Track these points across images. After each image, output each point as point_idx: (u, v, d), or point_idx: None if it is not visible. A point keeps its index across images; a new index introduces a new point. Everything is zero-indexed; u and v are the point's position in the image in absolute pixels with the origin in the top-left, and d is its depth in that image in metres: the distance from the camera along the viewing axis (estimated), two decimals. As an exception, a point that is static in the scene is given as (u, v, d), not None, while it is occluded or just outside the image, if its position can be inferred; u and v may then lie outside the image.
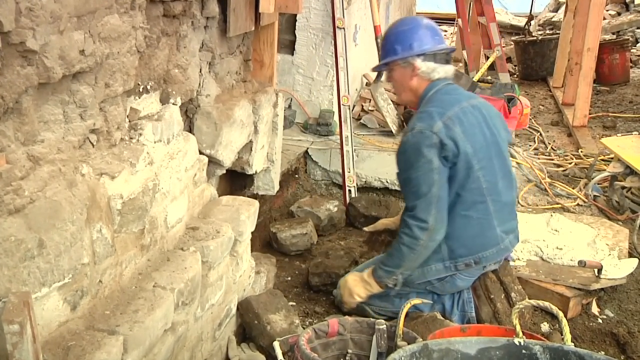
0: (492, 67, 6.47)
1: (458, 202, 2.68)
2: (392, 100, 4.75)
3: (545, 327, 2.93)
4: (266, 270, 3.06)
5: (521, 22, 10.74)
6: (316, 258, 3.44)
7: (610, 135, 5.26)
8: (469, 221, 2.69)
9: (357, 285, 2.82)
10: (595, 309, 3.07)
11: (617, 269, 3.16)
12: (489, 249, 2.72)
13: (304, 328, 2.65)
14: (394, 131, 4.73)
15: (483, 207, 2.70)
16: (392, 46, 2.79)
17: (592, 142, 5.57)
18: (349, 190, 4.21)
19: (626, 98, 7.36)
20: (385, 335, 2.27)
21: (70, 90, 1.63)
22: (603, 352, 2.75)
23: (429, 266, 2.75)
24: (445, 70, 2.79)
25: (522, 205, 4.23)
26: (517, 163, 4.39)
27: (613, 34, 10.06)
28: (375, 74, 4.83)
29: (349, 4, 4.58)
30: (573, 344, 1.93)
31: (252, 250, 2.79)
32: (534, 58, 8.44)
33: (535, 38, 8.64)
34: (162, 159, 2.09)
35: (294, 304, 3.04)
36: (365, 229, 3.27)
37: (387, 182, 4.34)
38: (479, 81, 5.76)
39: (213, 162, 2.60)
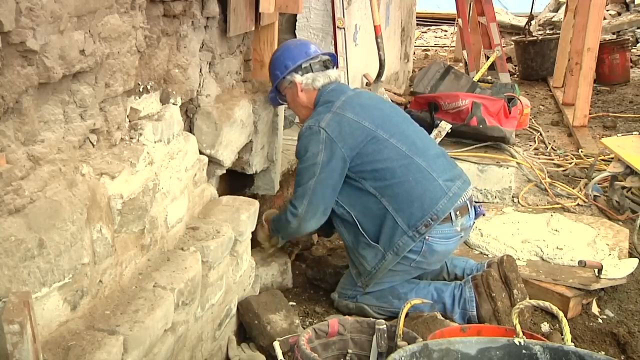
0: (492, 67, 6.48)
1: (389, 175, 2.77)
2: (391, 100, 4.75)
3: (545, 327, 2.93)
4: (266, 270, 3.06)
5: (521, 22, 10.75)
6: (320, 253, 3.49)
7: (610, 135, 5.26)
8: (408, 185, 2.76)
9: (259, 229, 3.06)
10: (595, 309, 3.07)
11: (617, 269, 3.16)
12: (439, 202, 2.75)
13: (304, 328, 2.65)
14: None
15: (414, 167, 2.79)
16: (273, 74, 3.00)
17: (592, 142, 5.57)
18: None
19: (626, 98, 7.36)
20: (385, 335, 2.27)
21: (70, 90, 1.63)
22: (603, 352, 2.75)
23: (396, 243, 2.76)
24: (327, 75, 2.98)
25: (522, 205, 4.23)
26: (518, 163, 4.39)
27: (613, 34, 10.07)
28: (376, 73, 4.85)
29: (349, 4, 4.58)
30: (573, 344, 1.94)
31: (252, 250, 2.79)
32: (534, 58, 8.44)
33: (535, 38, 8.65)
34: (162, 159, 2.09)
35: (294, 304, 3.04)
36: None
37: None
38: (479, 81, 5.77)
39: (213, 162, 2.60)
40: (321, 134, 2.76)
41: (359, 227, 2.81)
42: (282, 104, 3.11)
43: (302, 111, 3.03)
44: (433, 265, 2.93)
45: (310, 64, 2.94)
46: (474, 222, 2.99)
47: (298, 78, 2.93)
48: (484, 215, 3.03)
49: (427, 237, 2.75)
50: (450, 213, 2.77)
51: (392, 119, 2.90)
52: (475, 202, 3.00)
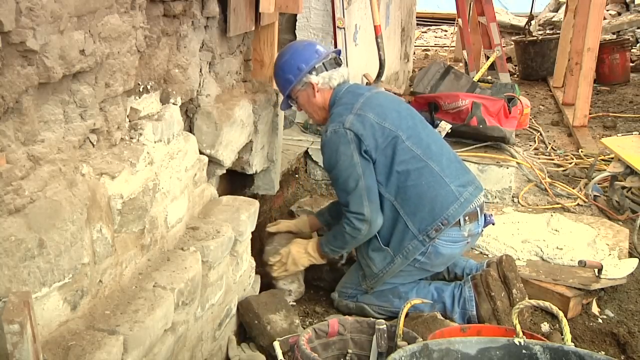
0: (492, 67, 6.48)
1: (402, 177, 2.76)
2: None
3: (545, 327, 2.93)
4: (266, 270, 3.06)
5: (521, 22, 10.75)
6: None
7: (610, 135, 5.26)
8: (420, 189, 2.76)
9: (301, 257, 2.98)
10: (595, 309, 3.07)
11: (617, 269, 3.16)
12: (450, 207, 2.75)
13: (304, 328, 2.65)
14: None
15: (427, 171, 2.78)
16: (285, 78, 2.92)
17: (592, 142, 5.57)
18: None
19: (626, 98, 7.36)
20: (385, 335, 2.27)
21: (70, 90, 1.63)
22: (603, 352, 2.75)
23: (406, 248, 2.77)
24: (341, 74, 2.95)
25: (522, 205, 4.23)
26: (518, 163, 4.39)
27: (613, 34, 10.07)
28: (376, 73, 4.85)
29: (349, 3, 4.58)
30: (573, 344, 1.94)
31: (252, 250, 2.79)
32: (534, 58, 8.45)
33: (535, 38, 8.65)
34: (162, 158, 2.09)
35: (294, 304, 3.04)
36: (268, 229, 3.20)
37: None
38: (479, 81, 5.76)
39: (213, 162, 2.60)
40: (348, 135, 2.74)
41: None
42: (291, 106, 3.06)
43: (317, 112, 2.99)
44: (436, 268, 2.93)
45: (323, 63, 2.90)
46: (483, 230, 2.99)
47: (314, 79, 2.88)
48: (493, 224, 3.02)
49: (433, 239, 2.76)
50: (459, 218, 2.77)
51: (408, 121, 2.88)
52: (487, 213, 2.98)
